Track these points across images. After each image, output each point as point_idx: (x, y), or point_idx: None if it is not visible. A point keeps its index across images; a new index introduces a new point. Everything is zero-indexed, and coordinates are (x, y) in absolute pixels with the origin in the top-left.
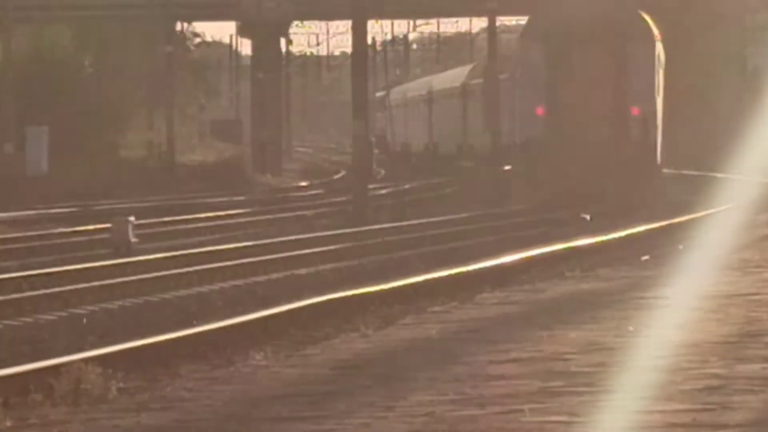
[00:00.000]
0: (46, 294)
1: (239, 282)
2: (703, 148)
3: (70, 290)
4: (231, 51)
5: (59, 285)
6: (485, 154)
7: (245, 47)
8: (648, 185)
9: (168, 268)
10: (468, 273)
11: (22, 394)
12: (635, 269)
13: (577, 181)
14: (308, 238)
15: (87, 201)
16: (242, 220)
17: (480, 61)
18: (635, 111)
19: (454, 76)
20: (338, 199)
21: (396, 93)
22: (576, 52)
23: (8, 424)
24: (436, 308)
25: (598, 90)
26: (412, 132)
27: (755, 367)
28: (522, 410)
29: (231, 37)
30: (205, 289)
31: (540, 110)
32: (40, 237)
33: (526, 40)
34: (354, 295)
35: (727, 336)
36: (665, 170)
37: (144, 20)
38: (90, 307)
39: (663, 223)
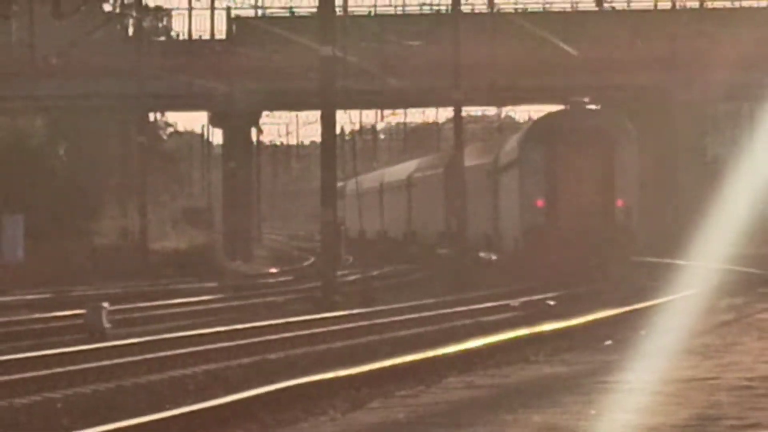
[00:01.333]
0: (21, 378)
1: (211, 366)
2: (664, 235)
3: (45, 375)
4: (203, 140)
5: (34, 370)
6: (428, 240)
7: (217, 136)
8: (628, 268)
9: (141, 353)
10: (434, 357)
11: None
12: (598, 354)
13: (573, 264)
14: (278, 324)
15: (62, 287)
16: (214, 305)
17: (425, 157)
18: (620, 203)
19: (402, 169)
20: (308, 286)
21: (353, 184)
22: (572, 153)
23: None
24: (404, 392)
25: (589, 185)
26: (367, 220)
27: None
28: None
29: (203, 126)
30: (177, 373)
31: (540, 202)
32: (15, 323)
33: (528, 142)
34: (323, 380)
35: (687, 420)
36: (635, 259)
37: (118, 110)
38: (64, 391)
39: (625, 309)
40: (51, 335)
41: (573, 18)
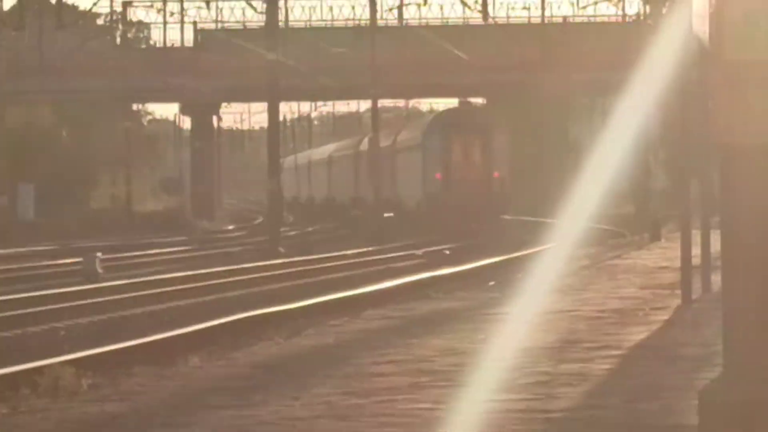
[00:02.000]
0: (32, 312)
1: (181, 303)
2: (535, 200)
3: (51, 309)
4: (175, 125)
5: (42, 305)
6: (344, 204)
7: (186, 123)
8: (503, 224)
9: (127, 293)
10: (356, 295)
11: (13, 388)
12: (484, 292)
13: (461, 221)
14: (234, 269)
15: (65, 241)
16: (184, 255)
17: (341, 141)
18: (496, 175)
19: (325, 150)
20: (258, 239)
21: (290, 160)
22: (460, 140)
23: (3, 411)
24: (333, 322)
25: (473, 162)
26: (300, 189)
27: (574, 367)
28: (397, 399)
29: (175, 114)
30: (155, 308)
31: (438, 175)
32: (27, 269)
33: (429, 132)
34: (269, 313)
35: (554, 343)
36: (509, 216)
37: (108, 102)
38: (66, 322)
39: (505, 257)
40: (55, 278)
41: (465, 30)
